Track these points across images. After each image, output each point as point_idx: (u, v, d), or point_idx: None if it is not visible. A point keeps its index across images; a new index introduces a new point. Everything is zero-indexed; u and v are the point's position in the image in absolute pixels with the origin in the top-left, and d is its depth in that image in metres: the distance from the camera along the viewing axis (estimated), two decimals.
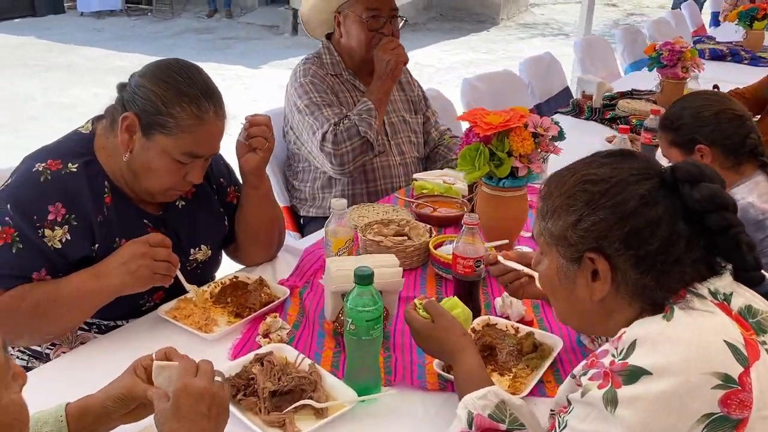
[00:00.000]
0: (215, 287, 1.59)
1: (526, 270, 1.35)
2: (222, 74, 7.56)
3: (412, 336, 1.29)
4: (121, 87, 1.49)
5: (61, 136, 1.51)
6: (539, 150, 1.78)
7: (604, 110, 3.23)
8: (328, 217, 1.64)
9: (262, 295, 1.54)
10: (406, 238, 1.82)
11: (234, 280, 1.63)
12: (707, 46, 4.81)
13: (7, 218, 1.34)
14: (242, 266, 1.76)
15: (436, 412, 1.23)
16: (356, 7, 2.25)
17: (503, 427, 1.06)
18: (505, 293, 1.56)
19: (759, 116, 3.02)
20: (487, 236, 1.87)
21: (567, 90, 4.12)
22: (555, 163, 1.30)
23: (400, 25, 2.32)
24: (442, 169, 2.53)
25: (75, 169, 1.41)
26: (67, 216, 1.38)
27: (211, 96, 1.43)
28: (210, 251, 1.64)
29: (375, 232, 1.83)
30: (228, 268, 1.75)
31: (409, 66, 2.40)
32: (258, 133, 1.59)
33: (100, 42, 9.14)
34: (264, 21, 10.28)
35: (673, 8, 9.33)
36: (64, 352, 1.47)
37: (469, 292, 1.51)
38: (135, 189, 1.49)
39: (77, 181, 1.41)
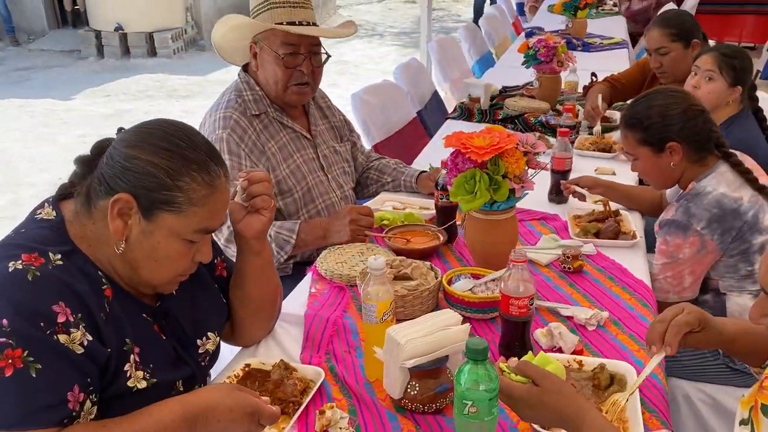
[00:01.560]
0: (229, 382, 1.34)
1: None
2: (30, 111, 6.71)
3: (511, 407, 1.14)
4: (90, 160, 1.20)
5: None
6: (528, 168, 1.73)
7: (494, 111, 3.29)
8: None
9: (297, 382, 1.32)
10: (411, 279, 1.67)
11: (247, 369, 1.39)
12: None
13: (2, 340, 1.00)
14: (236, 346, 1.52)
15: None
16: (272, 41, 2.01)
17: None
18: (552, 324, 1.49)
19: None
20: (478, 262, 1.80)
21: (437, 94, 4.16)
22: None
23: (324, 61, 2.11)
24: (377, 193, 2.41)
25: (61, 262, 1.11)
26: (75, 316, 1.08)
27: (218, 157, 1.21)
28: (218, 338, 1.38)
29: None
30: None
31: None
32: (261, 191, 1.36)
33: None
34: (61, 46, 9.25)
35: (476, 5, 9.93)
36: None
37: (522, 333, 1.42)
38: (132, 281, 1.22)
39: (71, 275, 1.11)
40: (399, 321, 1.48)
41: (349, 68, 8.46)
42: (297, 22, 2.01)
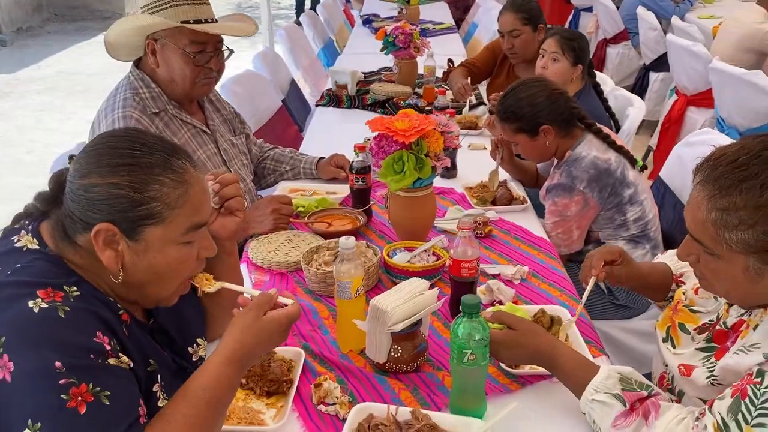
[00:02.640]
0: None
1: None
2: None
3: (492, 351, 1.30)
4: (53, 197, 1.16)
5: None
6: (444, 146, 1.91)
7: (362, 96, 3.44)
8: None
9: (281, 363, 1.40)
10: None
11: None
12: (384, 23, 5.35)
13: (63, 381, 0.96)
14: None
15: (553, 405, 1.32)
16: (178, 39, 1.98)
17: (644, 393, 1.21)
18: (490, 282, 1.69)
19: (490, 78, 3.58)
20: (402, 236, 1.95)
21: (294, 82, 4.22)
22: None
23: (226, 56, 2.12)
24: (275, 183, 2.47)
25: (78, 293, 1.07)
26: (112, 342, 1.06)
27: (178, 149, 1.17)
28: (206, 343, 1.40)
29: (322, 263, 1.76)
30: None
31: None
32: (234, 193, 1.38)
33: None
34: None
35: None
36: None
37: (471, 291, 1.60)
38: (140, 302, 1.21)
39: (92, 304, 1.08)
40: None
41: None
42: (203, 20, 2.01)
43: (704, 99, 4.45)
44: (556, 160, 2.25)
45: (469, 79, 3.40)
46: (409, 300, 1.38)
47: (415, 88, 3.60)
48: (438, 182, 2.42)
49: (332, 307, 1.65)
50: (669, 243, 2.26)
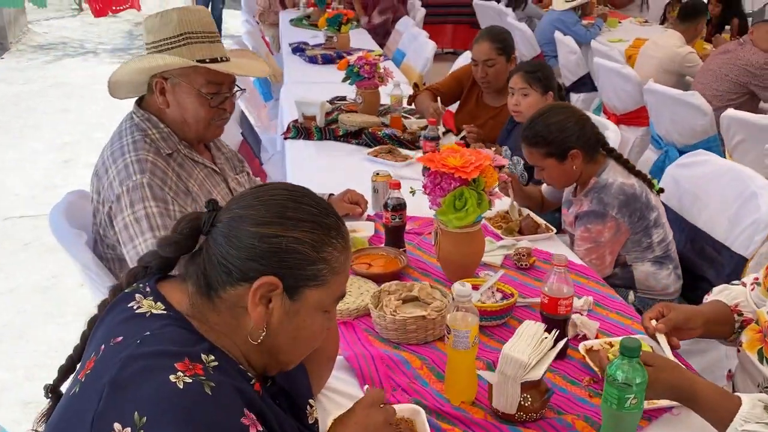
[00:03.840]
0: None
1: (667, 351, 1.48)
2: None
3: None
4: (187, 245, 1.08)
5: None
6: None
7: (333, 128, 3.35)
8: None
9: (404, 423, 1.31)
10: (418, 300, 1.72)
11: None
12: (317, 52, 5.28)
13: None
14: None
15: None
16: (193, 78, 1.84)
17: None
18: (573, 316, 1.67)
19: (458, 103, 3.60)
20: (452, 274, 1.90)
21: (243, 114, 4.06)
22: None
23: (238, 96, 2.01)
24: None
25: (216, 363, 0.97)
26: (254, 417, 0.97)
27: (340, 216, 1.13)
28: (315, 402, 1.28)
29: (395, 308, 1.67)
30: None
31: None
32: None
33: None
34: None
35: None
36: None
37: (565, 329, 1.57)
38: (266, 368, 1.11)
39: (230, 375, 0.98)
40: (416, 345, 1.59)
41: (76, 91, 7.65)
42: (219, 59, 1.88)
43: (634, 118, 4.72)
44: (574, 187, 2.29)
45: (439, 99, 3.40)
46: (536, 346, 1.33)
47: (379, 117, 3.56)
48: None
49: (421, 356, 1.57)
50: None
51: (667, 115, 4.09)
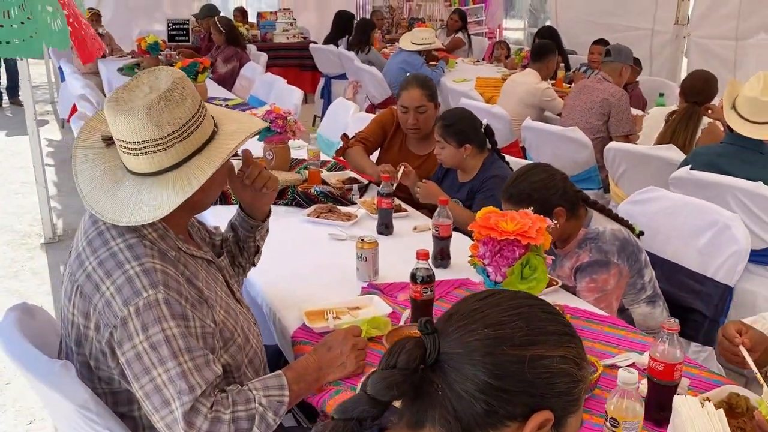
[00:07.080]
0: None
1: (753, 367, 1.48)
2: None
3: None
4: (416, 385, 0.89)
5: None
6: None
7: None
8: None
9: None
10: None
11: None
12: None
13: None
14: None
15: None
16: None
17: None
18: None
19: (380, 152, 3.45)
20: None
21: None
22: None
23: None
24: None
25: None
26: None
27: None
28: None
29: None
30: None
31: None
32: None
33: None
34: None
35: None
36: None
37: (673, 395, 1.50)
38: None
39: None
40: None
41: None
42: (213, 131, 1.61)
43: (507, 153, 4.94)
44: (552, 244, 2.28)
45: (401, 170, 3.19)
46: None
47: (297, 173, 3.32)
48: (440, 275, 2.27)
49: None
50: None
51: (549, 150, 4.32)
